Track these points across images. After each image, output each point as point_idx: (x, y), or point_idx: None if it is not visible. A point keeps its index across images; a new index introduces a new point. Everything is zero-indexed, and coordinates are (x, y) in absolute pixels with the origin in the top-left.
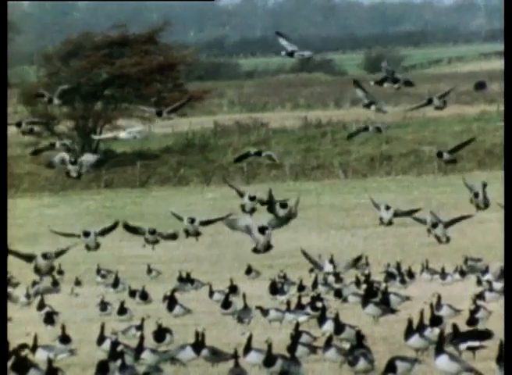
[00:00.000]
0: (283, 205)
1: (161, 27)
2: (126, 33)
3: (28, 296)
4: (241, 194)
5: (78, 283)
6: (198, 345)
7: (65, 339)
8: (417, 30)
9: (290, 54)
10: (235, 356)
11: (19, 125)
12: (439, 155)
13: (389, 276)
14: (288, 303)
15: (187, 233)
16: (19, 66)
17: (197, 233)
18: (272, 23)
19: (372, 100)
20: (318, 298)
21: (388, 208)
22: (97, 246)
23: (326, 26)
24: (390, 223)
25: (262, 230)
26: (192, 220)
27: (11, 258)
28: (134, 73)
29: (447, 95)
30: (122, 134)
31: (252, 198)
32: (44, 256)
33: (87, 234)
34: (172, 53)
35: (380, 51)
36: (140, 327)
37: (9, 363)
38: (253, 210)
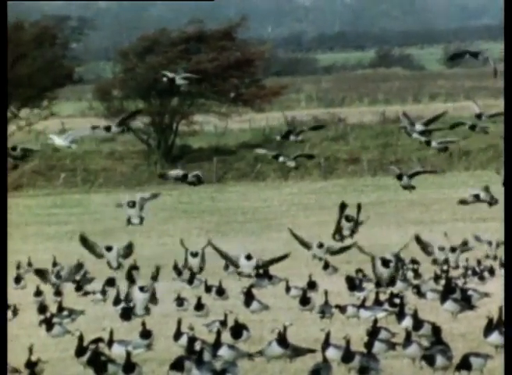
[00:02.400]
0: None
1: (239, 23)
2: (203, 29)
3: (104, 292)
4: (308, 246)
5: (154, 278)
6: (284, 341)
7: (145, 334)
8: (497, 24)
9: None
10: (312, 351)
11: (108, 129)
12: None
13: (468, 272)
14: (364, 300)
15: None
16: (95, 62)
17: None
18: (350, 18)
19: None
20: (396, 294)
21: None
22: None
23: (405, 21)
24: None
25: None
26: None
27: (86, 254)
28: (211, 68)
29: None
30: (58, 141)
31: (320, 245)
32: (108, 249)
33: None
34: (249, 49)
35: (459, 45)
36: (223, 323)
37: (85, 358)
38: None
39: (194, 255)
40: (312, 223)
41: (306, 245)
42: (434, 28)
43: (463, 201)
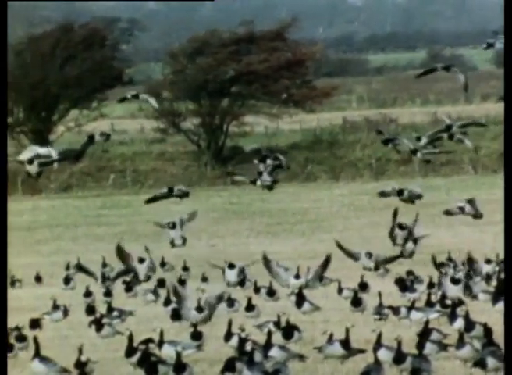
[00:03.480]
0: None
1: (290, 24)
2: (254, 30)
3: (156, 293)
4: (355, 258)
5: (204, 279)
6: (347, 341)
7: (196, 335)
8: None
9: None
10: (362, 351)
11: (91, 139)
12: None
13: None
14: (413, 301)
15: None
16: (145, 63)
17: None
18: (402, 19)
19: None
20: (447, 295)
21: None
22: (184, 241)
23: (457, 21)
24: None
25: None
26: None
27: (135, 255)
28: (262, 69)
29: None
30: (42, 151)
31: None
32: (141, 260)
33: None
34: (300, 49)
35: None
36: (276, 324)
37: (135, 359)
38: None
39: (231, 266)
40: (363, 225)
41: (353, 257)
42: (485, 28)
43: (448, 212)
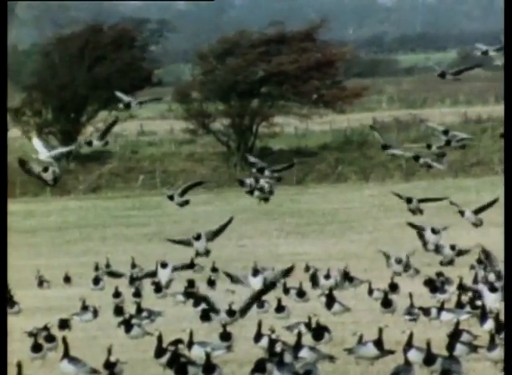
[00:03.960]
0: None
1: (320, 24)
2: (284, 31)
3: (187, 294)
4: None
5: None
6: (380, 342)
7: (225, 336)
8: None
9: None
10: (392, 352)
11: (90, 144)
12: None
13: None
14: (443, 302)
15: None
16: (174, 64)
17: None
18: (432, 19)
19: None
20: (478, 296)
21: None
22: (208, 252)
23: (486, 21)
24: None
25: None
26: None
27: (168, 255)
28: (292, 70)
29: None
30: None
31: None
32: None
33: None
34: (330, 50)
35: None
36: (307, 325)
37: (165, 359)
38: None
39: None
40: (393, 225)
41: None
42: None
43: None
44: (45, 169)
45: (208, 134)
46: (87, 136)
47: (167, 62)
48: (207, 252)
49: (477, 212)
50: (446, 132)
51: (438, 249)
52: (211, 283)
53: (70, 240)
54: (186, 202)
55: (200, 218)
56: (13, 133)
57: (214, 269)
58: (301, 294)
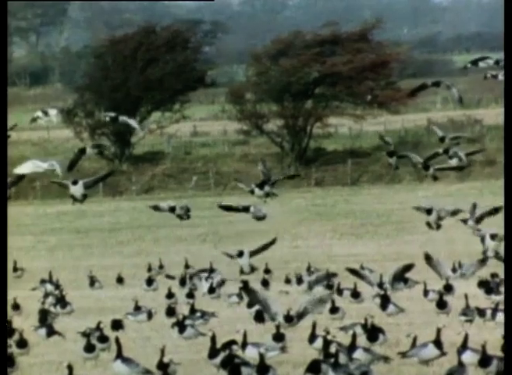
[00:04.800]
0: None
1: (374, 25)
2: (338, 32)
3: (240, 295)
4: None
5: (288, 281)
6: (440, 343)
7: (279, 337)
8: None
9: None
10: (444, 354)
11: (83, 151)
12: None
13: None
14: (497, 303)
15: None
16: (228, 65)
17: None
18: (486, 18)
19: None
20: None
21: None
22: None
23: None
24: None
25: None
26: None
27: (219, 256)
28: (346, 71)
29: None
30: (44, 165)
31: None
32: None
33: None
34: (384, 50)
35: None
36: (364, 326)
37: (218, 360)
38: None
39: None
40: (448, 226)
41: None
42: None
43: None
44: (74, 183)
45: (262, 135)
46: (140, 137)
47: (220, 63)
48: (252, 270)
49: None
50: (442, 139)
51: (498, 255)
52: (265, 283)
53: (123, 241)
54: (188, 216)
55: (253, 219)
56: (65, 134)
57: (267, 271)
58: (356, 295)
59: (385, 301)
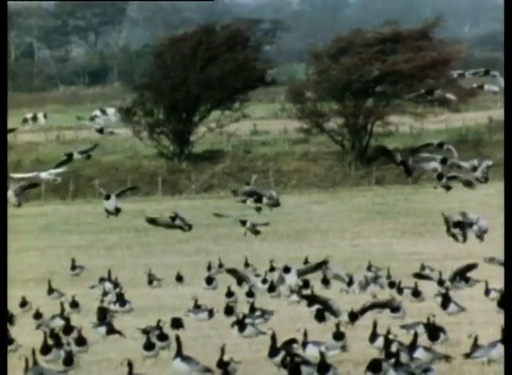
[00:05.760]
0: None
1: (435, 23)
2: (399, 30)
3: (299, 294)
4: None
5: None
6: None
7: (339, 336)
8: None
9: None
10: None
11: (70, 157)
12: None
13: None
14: None
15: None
16: (288, 63)
17: None
18: None
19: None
20: None
21: None
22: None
23: None
24: None
25: None
26: None
27: (278, 255)
28: (407, 69)
29: None
30: (43, 175)
31: None
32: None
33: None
34: (445, 49)
35: None
36: (427, 325)
37: (279, 359)
38: None
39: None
40: None
41: None
42: None
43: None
44: (107, 197)
45: (322, 134)
46: (200, 135)
47: (281, 62)
48: (299, 289)
49: None
50: (440, 145)
51: None
52: (326, 282)
53: (182, 239)
54: (118, 211)
55: (314, 217)
56: (124, 133)
57: (328, 269)
58: (416, 294)
59: (446, 300)
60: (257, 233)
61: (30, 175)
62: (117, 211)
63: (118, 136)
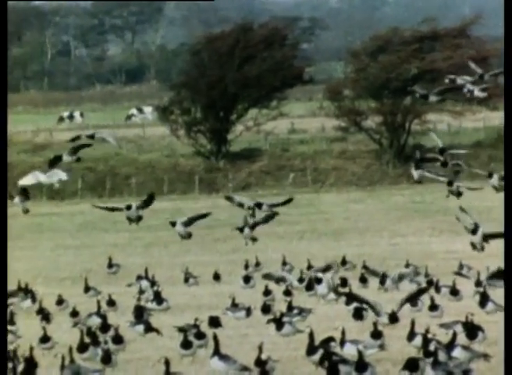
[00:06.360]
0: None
1: (473, 20)
2: (437, 28)
3: (337, 292)
4: None
5: (383, 278)
6: None
7: (376, 334)
8: None
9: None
10: None
11: (59, 158)
12: None
13: None
14: None
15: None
16: (326, 62)
17: None
18: None
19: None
20: None
21: None
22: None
23: None
24: None
25: None
26: None
27: (316, 253)
28: (445, 67)
29: None
30: (43, 178)
31: None
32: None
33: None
34: (484, 46)
35: None
36: (466, 324)
37: (317, 357)
38: None
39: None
40: None
41: None
42: None
43: None
44: (128, 208)
45: (360, 132)
46: (237, 134)
47: (319, 60)
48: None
49: None
50: (442, 150)
51: None
52: (364, 280)
53: (219, 238)
54: (189, 235)
55: (352, 216)
56: (160, 131)
57: (365, 267)
58: (454, 292)
59: (484, 299)
60: (254, 240)
61: (31, 181)
62: (139, 219)
63: (110, 144)
